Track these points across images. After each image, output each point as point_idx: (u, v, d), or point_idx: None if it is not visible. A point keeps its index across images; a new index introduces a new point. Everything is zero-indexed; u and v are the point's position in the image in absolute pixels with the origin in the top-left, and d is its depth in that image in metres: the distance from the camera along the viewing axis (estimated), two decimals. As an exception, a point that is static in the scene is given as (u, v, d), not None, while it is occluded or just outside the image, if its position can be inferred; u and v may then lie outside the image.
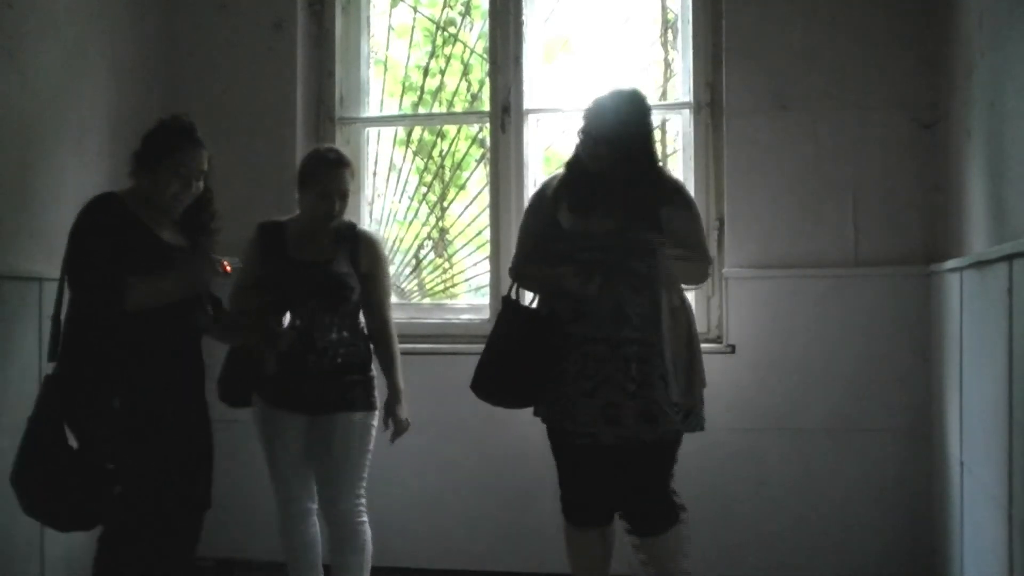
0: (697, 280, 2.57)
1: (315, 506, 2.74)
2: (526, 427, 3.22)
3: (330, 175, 2.62)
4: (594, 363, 2.41)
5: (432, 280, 3.67)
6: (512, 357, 2.49)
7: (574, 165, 2.52)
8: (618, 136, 2.40)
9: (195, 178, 2.40)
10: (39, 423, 2.25)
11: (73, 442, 2.26)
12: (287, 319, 2.57)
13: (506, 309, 2.53)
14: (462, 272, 3.67)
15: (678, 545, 2.50)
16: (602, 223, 2.43)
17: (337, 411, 2.63)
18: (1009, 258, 2.04)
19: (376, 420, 2.71)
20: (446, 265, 3.68)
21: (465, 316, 3.52)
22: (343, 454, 2.64)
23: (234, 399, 2.68)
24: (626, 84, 2.52)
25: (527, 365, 2.47)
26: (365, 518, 2.69)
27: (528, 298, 2.60)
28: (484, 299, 3.52)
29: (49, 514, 2.25)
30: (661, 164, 2.53)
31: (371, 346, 2.74)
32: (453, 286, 3.68)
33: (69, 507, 2.22)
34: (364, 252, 2.71)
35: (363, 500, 2.69)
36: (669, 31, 3.50)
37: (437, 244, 3.67)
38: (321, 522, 2.75)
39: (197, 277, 2.34)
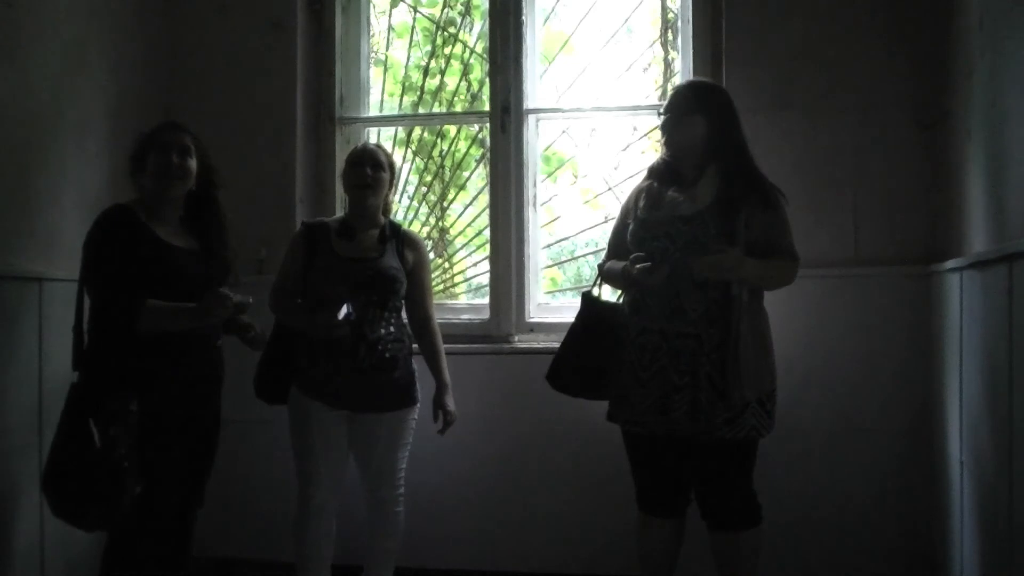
0: (775, 286, 2.52)
1: (336, 504, 2.77)
2: (527, 427, 3.24)
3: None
4: (649, 354, 2.44)
5: (432, 280, 3.67)
6: (579, 348, 2.57)
7: (657, 159, 2.61)
8: (715, 119, 2.46)
9: (176, 151, 2.46)
10: (66, 429, 2.31)
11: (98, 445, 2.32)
12: (343, 312, 2.59)
13: (582, 305, 2.62)
14: (462, 272, 3.67)
15: (744, 549, 2.48)
16: (672, 211, 2.47)
17: (385, 410, 2.73)
18: (1009, 258, 2.04)
19: (416, 413, 2.81)
20: (446, 265, 3.68)
21: (465, 316, 3.53)
22: (389, 449, 2.76)
23: (270, 396, 2.75)
24: (703, 77, 2.59)
25: (592, 356, 2.54)
26: (402, 507, 2.81)
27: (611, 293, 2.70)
28: (484, 299, 3.52)
29: (76, 515, 2.31)
30: (751, 162, 2.51)
31: (412, 340, 2.84)
32: (453, 286, 3.68)
33: (94, 507, 2.27)
34: (409, 248, 2.83)
35: (403, 488, 2.81)
36: (669, 31, 3.50)
37: (437, 244, 3.67)
38: (339, 515, 2.78)
39: (208, 315, 2.39)
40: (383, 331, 2.69)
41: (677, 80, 3.43)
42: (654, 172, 2.60)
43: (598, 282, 2.66)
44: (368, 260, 2.73)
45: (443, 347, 2.89)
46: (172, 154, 2.45)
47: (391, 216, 2.91)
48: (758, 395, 2.41)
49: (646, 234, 2.49)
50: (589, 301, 2.62)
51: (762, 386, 2.42)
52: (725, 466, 2.46)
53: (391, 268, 2.75)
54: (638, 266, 2.41)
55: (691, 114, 2.47)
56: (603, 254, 2.77)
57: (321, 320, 2.60)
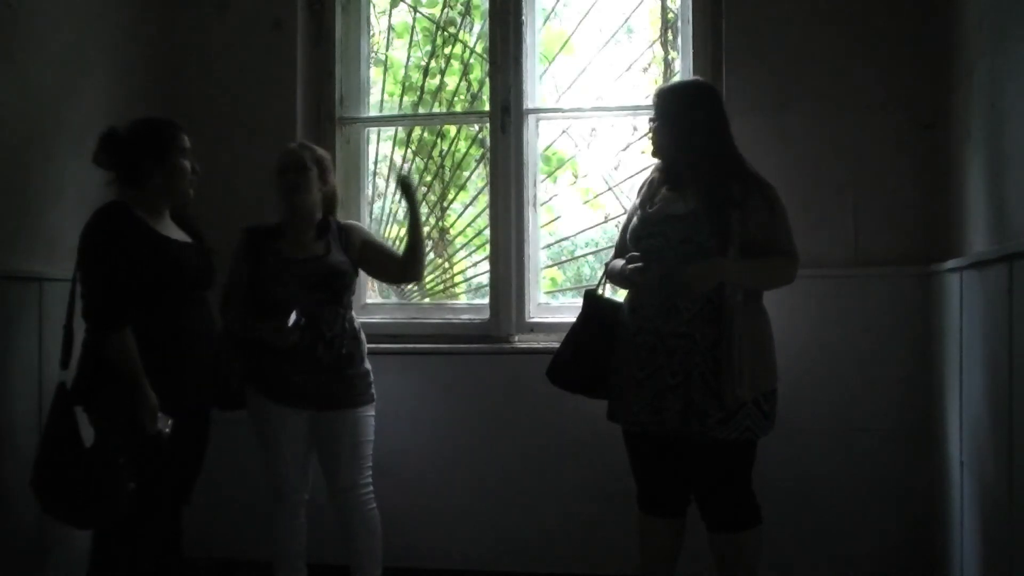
0: (772, 286, 2.50)
1: (307, 497, 2.81)
2: (527, 427, 3.24)
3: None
4: (644, 354, 2.45)
5: (432, 280, 3.67)
6: (577, 345, 2.58)
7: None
8: (674, 124, 2.47)
9: (194, 158, 2.52)
10: (55, 427, 2.31)
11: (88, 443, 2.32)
12: (292, 319, 2.61)
13: (584, 303, 2.63)
14: (462, 272, 3.67)
15: (743, 549, 2.48)
16: (667, 210, 2.48)
17: (346, 407, 2.74)
18: (1009, 258, 2.04)
19: (375, 410, 2.84)
20: (446, 265, 3.68)
21: (465, 316, 3.53)
22: (354, 448, 2.76)
23: (227, 403, 2.70)
24: (690, 77, 2.69)
25: (590, 354, 2.55)
26: (375, 504, 2.81)
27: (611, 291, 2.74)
28: (484, 299, 3.52)
29: (70, 513, 2.31)
30: (740, 160, 2.51)
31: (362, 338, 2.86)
32: (453, 286, 3.68)
33: (90, 504, 2.27)
34: (353, 236, 2.87)
35: (372, 487, 2.81)
36: (669, 31, 3.50)
37: (437, 244, 3.67)
38: (320, 511, 2.76)
39: (142, 415, 2.33)
40: (338, 328, 2.73)
41: (676, 80, 3.43)
42: (659, 168, 2.62)
43: (603, 281, 2.67)
44: (316, 258, 2.76)
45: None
46: (194, 163, 2.50)
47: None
48: (754, 395, 2.39)
49: (642, 232, 2.51)
50: (590, 299, 2.64)
51: (758, 386, 2.41)
52: (722, 466, 2.45)
53: (340, 263, 2.78)
54: (630, 266, 2.44)
55: (676, 118, 2.48)
56: (603, 254, 2.78)
57: (272, 328, 2.62)
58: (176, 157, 2.46)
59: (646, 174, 2.69)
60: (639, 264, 2.42)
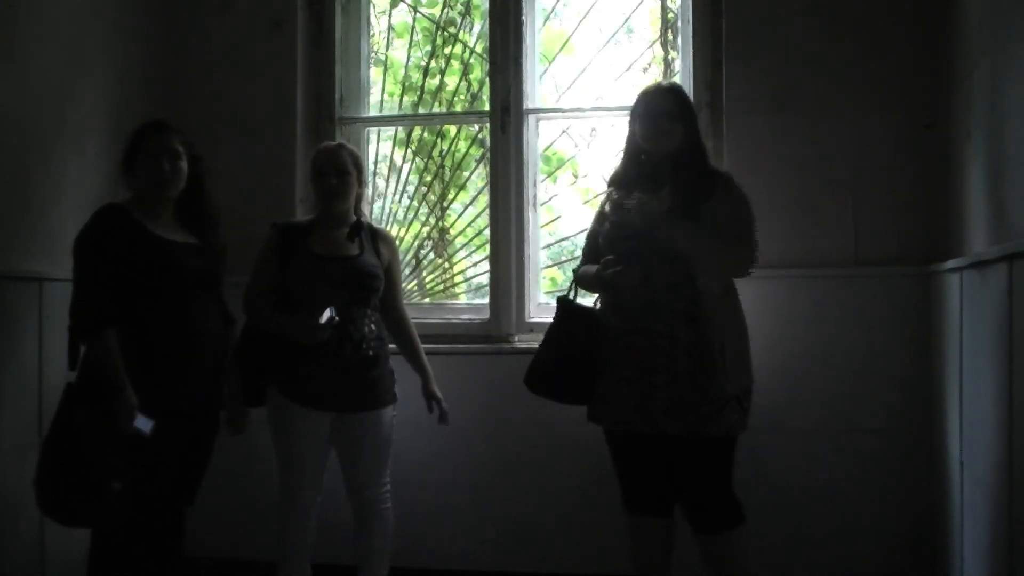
0: (725, 270, 2.49)
1: (319, 499, 2.77)
2: (526, 426, 3.24)
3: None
4: (632, 354, 2.45)
5: (432, 280, 3.67)
6: (557, 352, 2.56)
7: (622, 158, 2.63)
8: (655, 125, 2.49)
9: (167, 157, 2.46)
10: (55, 427, 2.30)
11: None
12: (325, 316, 2.56)
13: (558, 308, 2.62)
14: (462, 272, 3.67)
15: (732, 549, 2.48)
16: (640, 212, 2.48)
17: (368, 409, 2.72)
18: (1009, 258, 2.04)
19: (396, 409, 2.82)
20: (446, 265, 3.68)
21: (465, 316, 3.53)
22: (374, 448, 2.75)
23: (248, 398, 2.70)
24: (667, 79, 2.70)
25: (573, 359, 2.53)
26: (390, 504, 2.80)
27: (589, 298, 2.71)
28: (484, 299, 3.52)
29: (58, 511, 2.30)
30: (709, 159, 2.55)
31: (387, 337, 2.83)
32: (453, 286, 3.68)
33: (76, 504, 2.26)
34: (384, 246, 2.86)
35: (389, 486, 2.80)
36: (669, 31, 3.50)
37: (437, 244, 3.67)
38: (323, 511, 2.75)
39: (118, 414, 2.30)
40: (366, 329, 2.69)
41: (677, 80, 3.42)
42: (615, 181, 2.62)
43: (573, 287, 2.66)
44: (347, 258, 2.73)
45: (419, 340, 2.94)
46: (163, 160, 2.45)
47: (364, 209, 2.90)
48: (737, 391, 2.41)
49: (618, 235, 2.51)
50: (566, 304, 2.61)
51: (741, 382, 2.43)
52: (706, 464, 2.46)
53: (372, 265, 2.75)
54: (610, 270, 2.43)
55: (674, 120, 2.49)
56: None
57: (303, 324, 2.58)
58: (142, 159, 2.43)
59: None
60: (619, 268, 2.41)
